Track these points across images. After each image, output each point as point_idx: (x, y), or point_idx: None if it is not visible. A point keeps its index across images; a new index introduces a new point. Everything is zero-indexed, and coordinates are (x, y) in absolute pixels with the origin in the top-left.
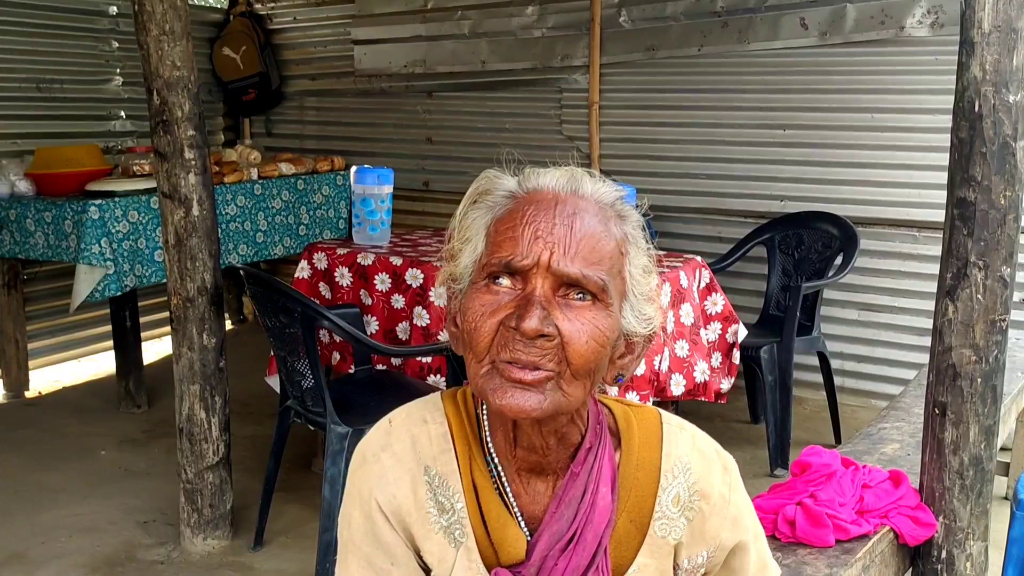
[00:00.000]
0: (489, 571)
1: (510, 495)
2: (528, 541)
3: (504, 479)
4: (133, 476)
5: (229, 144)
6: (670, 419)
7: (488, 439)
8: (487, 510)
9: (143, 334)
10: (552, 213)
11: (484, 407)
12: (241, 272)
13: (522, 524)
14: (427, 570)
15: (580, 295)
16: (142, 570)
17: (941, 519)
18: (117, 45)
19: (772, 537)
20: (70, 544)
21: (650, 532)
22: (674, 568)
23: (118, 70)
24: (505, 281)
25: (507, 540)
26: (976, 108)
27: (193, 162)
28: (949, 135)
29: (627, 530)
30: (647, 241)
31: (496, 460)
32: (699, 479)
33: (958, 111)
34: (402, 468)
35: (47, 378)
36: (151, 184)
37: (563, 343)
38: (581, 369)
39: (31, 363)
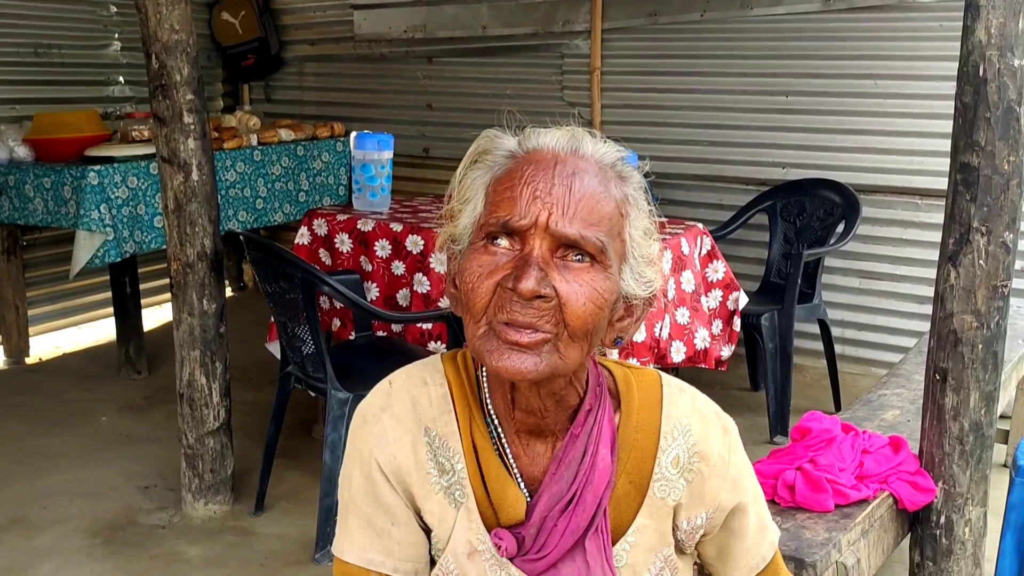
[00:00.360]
0: (489, 531)
1: (510, 456)
2: (528, 502)
3: (504, 440)
4: (134, 442)
5: (228, 110)
6: (670, 381)
7: (488, 401)
8: (487, 471)
9: (143, 301)
10: (551, 173)
11: (483, 369)
12: (241, 237)
13: (522, 485)
14: (427, 530)
15: (578, 256)
16: (143, 534)
17: (940, 484)
18: (115, 9)
19: (772, 502)
20: (71, 508)
21: (649, 493)
22: (673, 529)
23: (117, 35)
24: (503, 242)
25: (507, 501)
26: (981, 72)
27: (192, 126)
28: (952, 102)
29: (626, 491)
30: (649, 203)
31: (496, 422)
32: (699, 441)
33: (963, 75)
34: (402, 429)
35: (47, 344)
36: (150, 150)
37: (560, 305)
38: (578, 331)
39: (31, 329)
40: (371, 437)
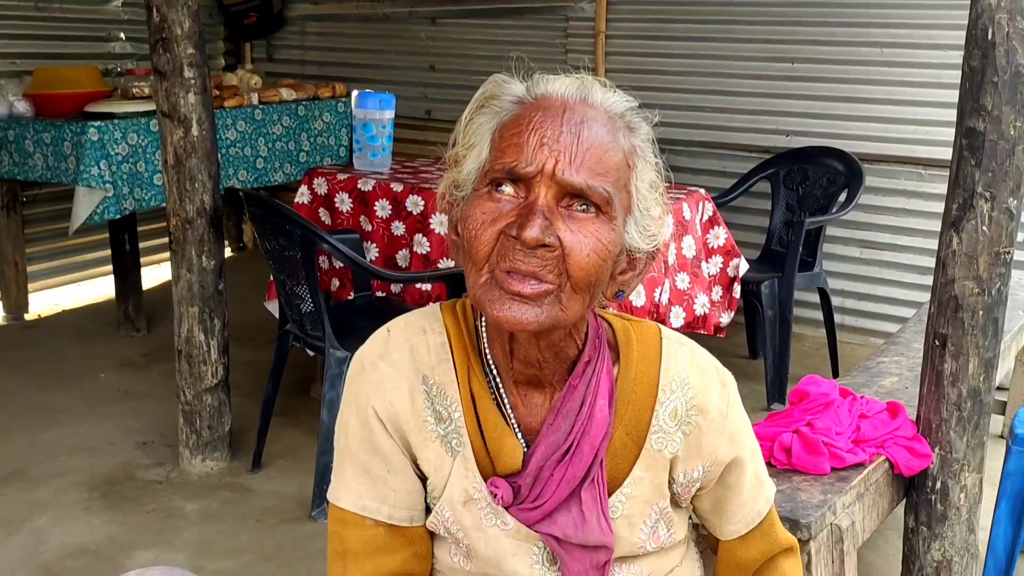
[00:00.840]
0: (485, 480)
1: (508, 406)
2: (525, 452)
3: (502, 390)
4: (132, 398)
5: (230, 68)
6: (669, 334)
7: (487, 351)
8: (484, 420)
9: (142, 259)
10: (559, 120)
11: (483, 319)
12: (241, 193)
13: (519, 435)
14: (423, 478)
15: (584, 206)
16: (140, 489)
17: (937, 450)
18: None
19: (768, 464)
20: (69, 463)
21: (646, 445)
22: (670, 482)
23: None
24: (508, 189)
25: (504, 450)
26: (989, 36)
27: (193, 81)
28: (959, 72)
29: (624, 443)
30: (656, 156)
31: (495, 371)
32: (697, 394)
33: (971, 39)
34: (400, 376)
35: (46, 301)
36: (151, 107)
37: (564, 254)
38: (581, 282)
39: (30, 286)
40: (368, 384)
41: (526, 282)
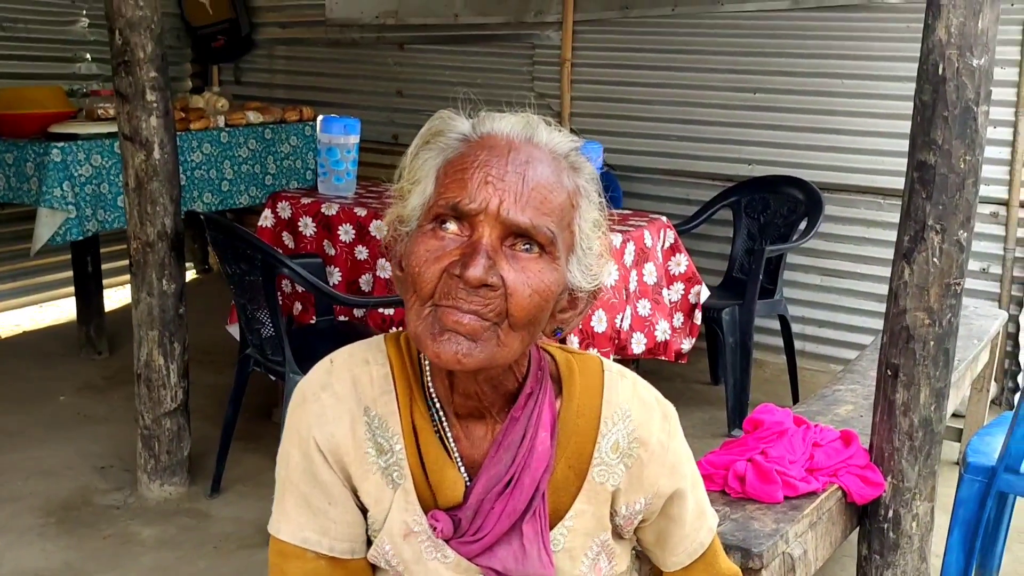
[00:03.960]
0: (426, 513)
1: (450, 439)
2: (467, 485)
3: (445, 423)
4: (91, 422)
5: (197, 91)
6: (611, 367)
7: (429, 383)
8: (426, 452)
9: (105, 281)
10: (505, 160)
11: None
12: (202, 217)
13: (461, 468)
14: (364, 510)
15: (527, 246)
16: (97, 515)
17: (889, 479)
18: None
19: (722, 492)
20: (25, 487)
21: (588, 478)
22: (611, 514)
23: (84, 11)
24: (452, 226)
25: (445, 483)
26: (940, 71)
27: (155, 104)
28: None
29: (565, 476)
30: (600, 195)
31: (437, 404)
32: (638, 426)
33: (922, 74)
34: (342, 408)
35: (7, 322)
36: (114, 128)
37: (507, 294)
38: (520, 321)
39: None
40: (310, 415)
41: (465, 316)
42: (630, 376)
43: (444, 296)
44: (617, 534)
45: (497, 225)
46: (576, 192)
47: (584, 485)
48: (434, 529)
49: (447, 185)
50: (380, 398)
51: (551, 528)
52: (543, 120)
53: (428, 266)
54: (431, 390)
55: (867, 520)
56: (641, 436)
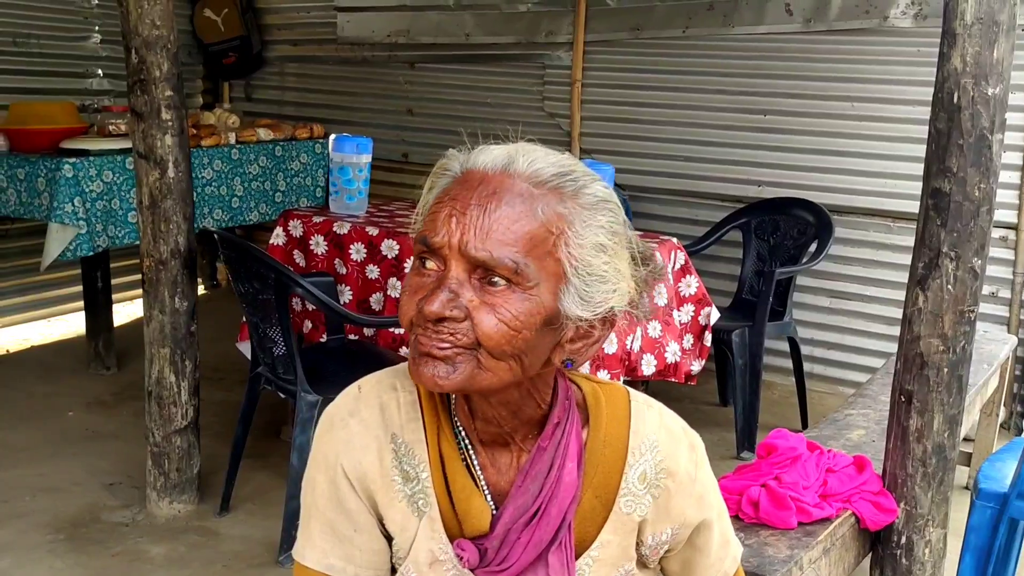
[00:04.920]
0: (452, 542)
1: (477, 467)
2: (493, 514)
3: (471, 451)
4: (100, 438)
5: (208, 107)
6: (637, 396)
7: (455, 411)
8: (452, 481)
9: (115, 296)
10: (472, 193)
11: None
12: (215, 236)
13: (488, 497)
14: (390, 538)
15: (495, 279)
16: (106, 532)
17: (902, 505)
18: (96, 2)
19: (736, 517)
20: (33, 504)
21: (615, 508)
22: (638, 544)
23: (97, 27)
24: (430, 263)
25: (471, 512)
26: (955, 100)
27: (170, 123)
28: (927, 126)
29: (592, 506)
30: (612, 215)
31: (463, 432)
32: (666, 457)
33: (937, 102)
34: (369, 435)
35: (16, 336)
36: (127, 144)
37: (473, 325)
38: (494, 351)
39: (0, 320)
40: (337, 442)
41: (437, 344)
42: (656, 406)
43: (418, 326)
44: (642, 563)
45: (461, 259)
46: (559, 218)
47: (611, 515)
48: (460, 558)
49: (425, 222)
50: (407, 425)
51: (577, 558)
52: (534, 148)
53: (407, 301)
54: (456, 418)
55: (880, 546)
56: (669, 467)
